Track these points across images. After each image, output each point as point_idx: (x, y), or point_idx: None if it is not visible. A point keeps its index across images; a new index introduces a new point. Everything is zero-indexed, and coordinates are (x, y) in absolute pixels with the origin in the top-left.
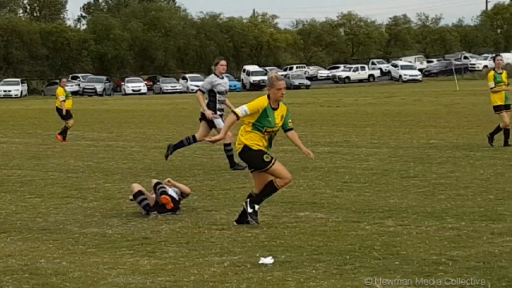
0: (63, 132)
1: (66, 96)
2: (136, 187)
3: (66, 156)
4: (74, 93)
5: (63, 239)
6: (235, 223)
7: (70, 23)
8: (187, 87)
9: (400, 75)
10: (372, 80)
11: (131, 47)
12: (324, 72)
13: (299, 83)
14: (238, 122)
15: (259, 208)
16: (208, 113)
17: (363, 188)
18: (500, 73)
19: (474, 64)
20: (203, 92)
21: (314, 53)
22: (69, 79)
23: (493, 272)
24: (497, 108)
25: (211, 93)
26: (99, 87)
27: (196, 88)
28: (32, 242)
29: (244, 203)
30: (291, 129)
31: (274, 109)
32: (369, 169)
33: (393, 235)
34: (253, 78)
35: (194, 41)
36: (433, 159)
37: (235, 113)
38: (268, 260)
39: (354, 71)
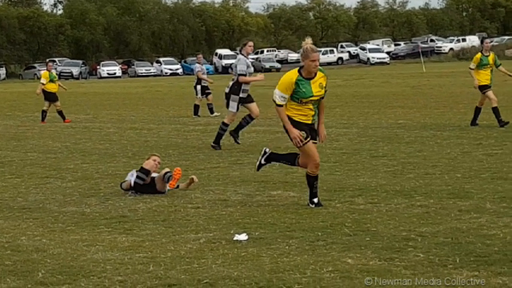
0: (60, 114)
1: (52, 80)
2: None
3: (44, 137)
4: None
5: (43, 217)
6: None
7: (47, 8)
8: (161, 71)
9: (368, 58)
10: (340, 62)
11: (106, 31)
12: (294, 56)
13: (270, 66)
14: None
15: (268, 165)
16: (261, 76)
17: (334, 167)
18: (487, 55)
19: (440, 47)
20: (245, 75)
21: (284, 36)
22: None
23: (461, 248)
24: (484, 88)
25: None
26: (75, 70)
27: (169, 71)
28: (13, 221)
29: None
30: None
31: (309, 79)
32: (339, 149)
33: (364, 212)
34: (225, 62)
35: (168, 26)
36: (402, 139)
37: (279, 105)
38: (243, 237)
39: (323, 54)
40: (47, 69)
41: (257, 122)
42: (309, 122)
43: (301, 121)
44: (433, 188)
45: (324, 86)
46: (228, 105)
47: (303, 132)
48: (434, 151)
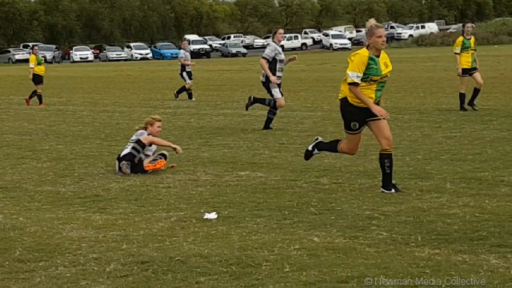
0: (38, 97)
1: (39, 63)
2: (147, 139)
3: (20, 119)
4: (26, 60)
5: (20, 196)
6: (382, 189)
7: None
8: (132, 55)
9: (331, 44)
10: (304, 48)
11: (79, 17)
12: (259, 41)
13: (236, 51)
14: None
15: (315, 153)
16: (274, 78)
17: (299, 148)
18: (469, 39)
19: (400, 33)
20: (267, 60)
21: (250, 23)
22: (21, 47)
23: (422, 226)
24: (463, 72)
25: (272, 61)
26: (48, 55)
27: (139, 55)
28: None
29: (388, 158)
30: None
31: (377, 56)
32: (304, 131)
33: (328, 192)
34: (193, 47)
35: (138, 12)
36: None
37: (355, 84)
38: (212, 216)
39: (288, 40)
40: (33, 53)
41: (225, 106)
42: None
43: (358, 105)
44: (395, 169)
45: (389, 65)
46: (270, 94)
47: (355, 123)
48: (396, 133)
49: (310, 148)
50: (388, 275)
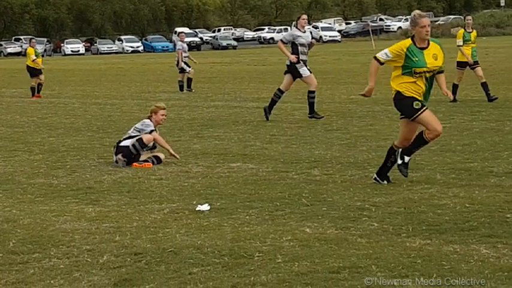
0: (33, 90)
1: (36, 55)
2: (149, 140)
3: (12, 112)
4: (17, 54)
5: (13, 189)
6: (375, 175)
7: None
8: (123, 48)
9: (321, 36)
10: None
11: (70, 10)
12: (249, 34)
13: (227, 44)
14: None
15: (409, 160)
16: (292, 57)
17: (290, 140)
18: (470, 32)
19: (389, 26)
20: (284, 43)
21: (240, 15)
22: (12, 41)
23: (413, 217)
24: (461, 65)
25: (294, 46)
26: (40, 48)
27: (130, 48)
28: None
29: (394, 155)
30: (441, 72)
31: (422, 48)
32: (295, 123)
33: (320, 183)
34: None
35: (129, 5)
36: (354, 114)
37: (376, 59)
38: (205, 207)
39: (278, 32)
40: (30, 46)
41: (216, 98)
42: (420, 99)
43: (412, 95)
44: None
45: (439, 57)
46: (300, 75)
47: (417, 102)
48: (386, 125)
49: (399, 162)
50: (379, 265)
